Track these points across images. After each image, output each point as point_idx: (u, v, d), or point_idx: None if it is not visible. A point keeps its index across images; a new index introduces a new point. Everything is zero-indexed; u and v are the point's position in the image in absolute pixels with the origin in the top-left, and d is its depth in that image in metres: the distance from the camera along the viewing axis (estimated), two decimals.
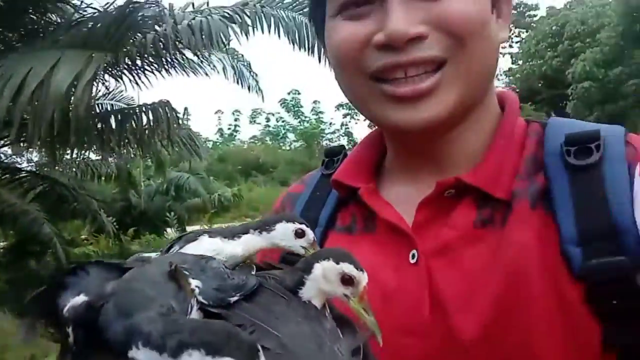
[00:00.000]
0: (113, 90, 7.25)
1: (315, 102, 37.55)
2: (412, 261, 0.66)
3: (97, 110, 6.05)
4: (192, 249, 0.52)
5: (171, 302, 0.42)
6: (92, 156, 8.55)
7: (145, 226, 11.04)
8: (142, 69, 6.00)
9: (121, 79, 6.11)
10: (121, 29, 4.16)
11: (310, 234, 0.54)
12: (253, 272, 0.50)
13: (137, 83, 6.24)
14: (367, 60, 0.65)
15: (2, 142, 7.05)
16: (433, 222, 0.67)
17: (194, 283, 0.44)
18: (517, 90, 25.69)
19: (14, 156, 9.04)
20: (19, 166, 8.96)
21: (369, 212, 0.72)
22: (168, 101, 5.51)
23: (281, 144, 37.28)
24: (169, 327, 0.39)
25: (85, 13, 6.02)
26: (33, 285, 7.98)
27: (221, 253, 0.52)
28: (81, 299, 0.45)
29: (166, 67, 6.15)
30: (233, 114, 38.71)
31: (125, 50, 4.77)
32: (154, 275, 0.45)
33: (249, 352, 0.38)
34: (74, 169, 8.64)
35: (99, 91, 6.63)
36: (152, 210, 11.37)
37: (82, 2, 6.00)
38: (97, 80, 4.18)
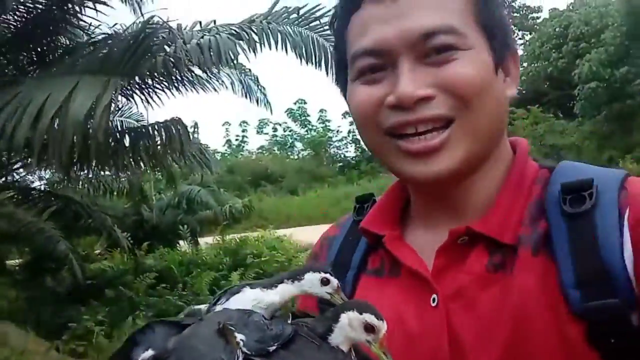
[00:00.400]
0: (122, 107, 7.39)
1: (321, 110, 37.59)
2: (433, 305, 0.72)
3: (111, 130, 6.14)
4: (236, 300, 0.60)
5: (222, 356, 0.50)
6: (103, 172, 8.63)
7: (158, 240, 11.10)
8: (152, 88, 6.11)
9: (133, 98, 6.23)
10: (136, 54, 4.27)
11: (334, 281, 0.61)
12: (289, 321, 0.57)
13: (147, 101, 6.37)
14: (381, 118, 0.73)
15: (18, 165, 7.16)
16: (450, 267, 0.73)
17: (239, 337, 0.52)
18: (524, 92, 25.63)
19: (26, 176, 9.15)
20: (32, 185, 9.09)
21: (394, 258, 0.78)
22: (180, 119, 5.60)
23: (289, 153, 37.34)
24: None
25: (95, 36, 6.16)
26: (51, 302, 8.09)
27: (261, 302, 0.60)
28: (149, 353, 0.54)
29: (176, 85, 6.26)
30: (240, 125, 38.84)
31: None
32: (206, 333, 0.53)
33: None
34: (86, 186, 8.71)
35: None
36: (164, 224, 11.44)
37: (90, 25, 6.14)
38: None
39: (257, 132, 39.50)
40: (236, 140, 38.87)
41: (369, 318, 0.54)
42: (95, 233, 9.40)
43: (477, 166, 0.75)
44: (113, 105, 4.15)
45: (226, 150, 37.56)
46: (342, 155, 35.09)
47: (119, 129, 6.86)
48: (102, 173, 8.16)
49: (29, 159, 6.06)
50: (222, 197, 12.73)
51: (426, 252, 0.76)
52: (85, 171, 5.98)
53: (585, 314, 0.63)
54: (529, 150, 0.80)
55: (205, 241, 11.44)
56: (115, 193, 9.22)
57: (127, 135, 6.00)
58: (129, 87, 5.68)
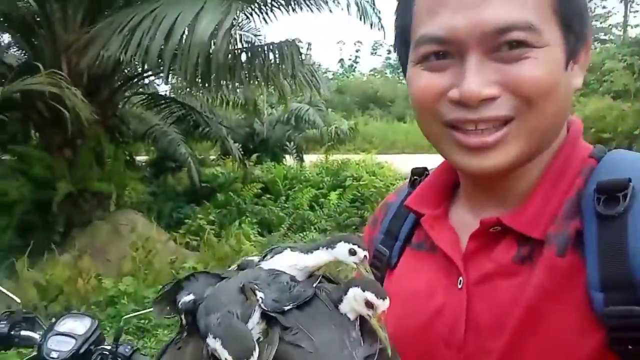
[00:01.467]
0: (241, 22, 7.70)
1: None
2: (459, 286, 0.75)
3: (230, 48, 6.51)
4: (278, 259, 0.68)
5: (237, 308, 0.59)
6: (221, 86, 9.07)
7: (266, 153, 11.73)
8: (270, 7, 6.33)
9: (252, 16, 6.51)
10: None
11: (361, 253, 0.67)
12: (315, 284, 0.65)
13: (264, 20, 6.63)
14: (442, 110, 0.71)
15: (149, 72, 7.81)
16: (479, 253, 0.75)
17: (259, 294, 0.61)
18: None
19: (155, 81, 9.92)
20: (159, 90, 9.88)
21: None
22: (293, 40, 5.80)
23: (401, 78, 36.46)
24: (224, 322, 0.58)
25: None
26: (171, 199, 9.03)
27: (298, 264, 0.67)
28: (190, 297, 0.64)
29: (292, 5, 6.44)
30: (355, 44, 38.40)
31: None
32: (231, 288, 0.63)
33: (243, 353, 0.54)
34: (205, 96, 9.27)
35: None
36: (272, 138, 11.99)
37: None
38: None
39: (371, 54, 38.96)
40: (349, 60, 38.64)
41: (369, 296, 0.60)
42: (211, 140, 10.10)
43: (531, 159, 0.73)
44: (233, 29, 4.38)
45: (338, 69, 37.55)
46: None
47: (237, 45, 7.22)
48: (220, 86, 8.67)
49: (159, 68, 6.61)
50: (329, 117, 12.98)
51: (466, 234, 0.77)
52: (206, 85, 6.43)
53: (605, 317, 0.62)
54: (581, 134, 0.76)
55: (310, 159, 11.88)
56: (230, 104, 9.76)
57: (244, 53, 6.34)
58: (249, 7, 5.92)
